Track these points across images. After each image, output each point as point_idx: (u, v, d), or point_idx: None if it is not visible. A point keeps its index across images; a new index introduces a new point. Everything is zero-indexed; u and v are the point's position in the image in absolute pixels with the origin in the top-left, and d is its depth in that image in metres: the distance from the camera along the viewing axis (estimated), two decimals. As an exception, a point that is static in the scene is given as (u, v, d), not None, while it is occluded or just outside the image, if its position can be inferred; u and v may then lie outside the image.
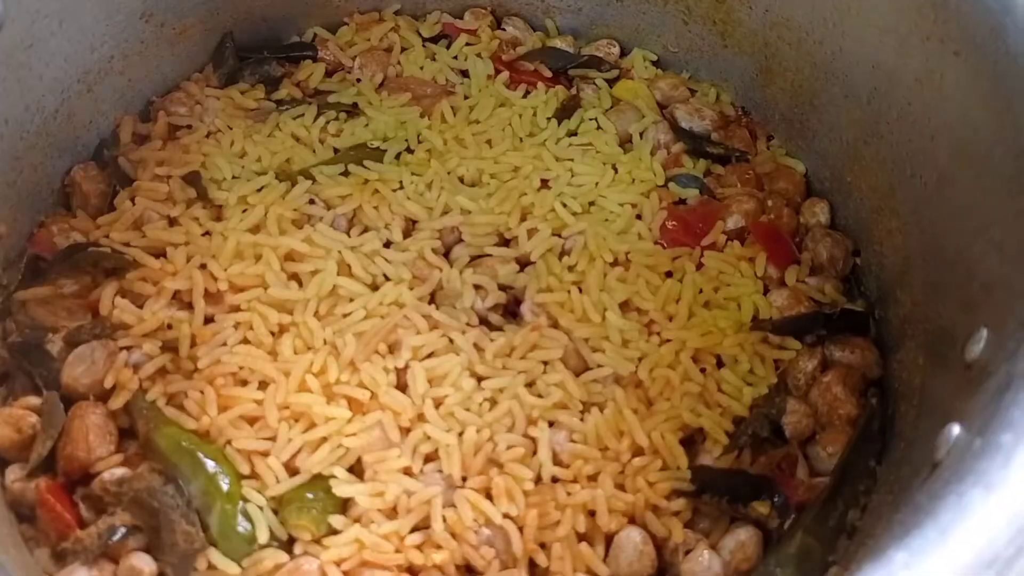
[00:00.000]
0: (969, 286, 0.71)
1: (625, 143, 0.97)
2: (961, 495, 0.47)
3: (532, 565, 0.73)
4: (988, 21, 0.69)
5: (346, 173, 0.90)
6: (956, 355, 0.67)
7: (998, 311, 0.63)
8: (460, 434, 0.76)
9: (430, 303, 0.83)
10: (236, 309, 0.82)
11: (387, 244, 0.86)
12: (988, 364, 0.61)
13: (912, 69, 0.79)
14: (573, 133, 0.97)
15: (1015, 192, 0.65)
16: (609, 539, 0.74)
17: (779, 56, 0.95)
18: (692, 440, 0.79)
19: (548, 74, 1.02)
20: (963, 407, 0.61)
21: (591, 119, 0.98)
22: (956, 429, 0.59)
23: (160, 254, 0.84)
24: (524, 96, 0.99)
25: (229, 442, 0.75)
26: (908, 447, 0.72)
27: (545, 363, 0.80)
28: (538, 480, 0.75)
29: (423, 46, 1.03)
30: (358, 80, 1.00)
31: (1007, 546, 0.44)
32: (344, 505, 0.74)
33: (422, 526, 0.73)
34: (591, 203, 0.91)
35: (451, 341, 0.81)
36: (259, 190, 0.88)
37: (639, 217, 0.90)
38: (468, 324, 0.82)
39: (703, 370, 0.82)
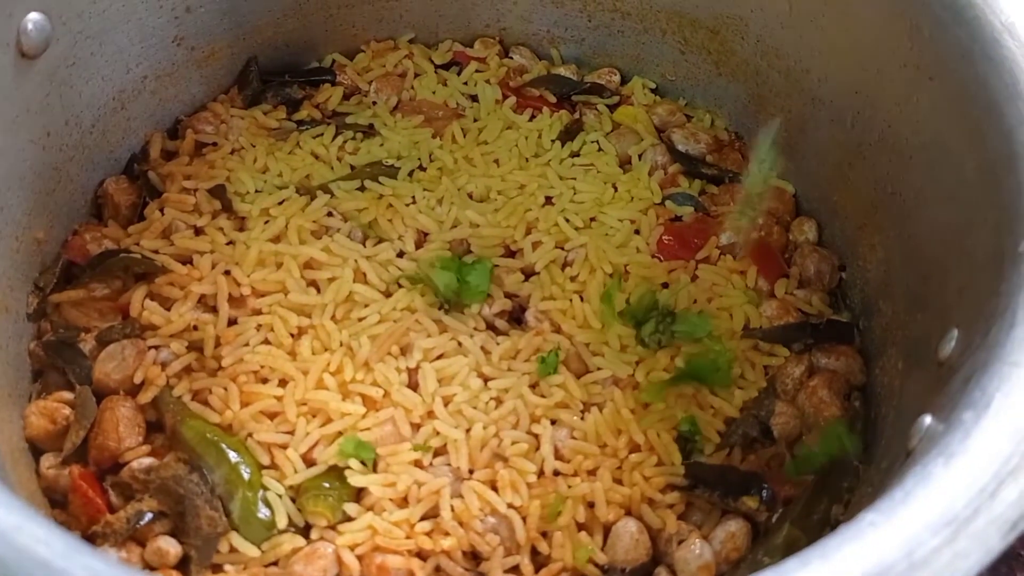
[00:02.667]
0: (944, 293, 0.76)
1: (624, 164, 1.02)
2: (925, 465, 0.52)
3: (534, 552, 0.77)
4: (958, 48, 0.75)
5: (362, 188, 0.95)
6: (931, 356, 0.72)
7: (968, 312, 0.68)
8: (467, 430, 0.80)
9: (440, 309, 0.88)
10: (258, 312, 0.86)
11: (400, 254, 0.91)
12: (957, 360, 0.66)
13: (891, 94, 0.84)
14: (576, 154, 1.02)
15: (983, 204, 0.71)
16: (607, 529, 0.78)
17: (769, 84, 1.00)
18: (686, 438, 0.83)
19: (553, 100, 1.07)
20: (934, 400, 0.66)
21: (593, 141, 1.03)
22: (928, 419, 0.64)
23: (187, 261, 0.89)
24: (530, 120, 1.05)
25: (250, 435, 0.80)
26: (887, 443, 0.77)
27: (548, 365, 0.85)
28: (541, 473, 0.79)
29: (435, 72, 1.08)
30: (374, 103, 1.05)
31: (964, 508, 0.49)
32: (358, 494, 0.78)
33: (431, 515, 0.77)
34: (592, 219, 0.96)
35: (460, 344, 0.85)
36: (280, 203, 0.93)
37: (637, 232, 0.95)
38: (476, 328, 0.87)
39: (697, 374, 0.86)
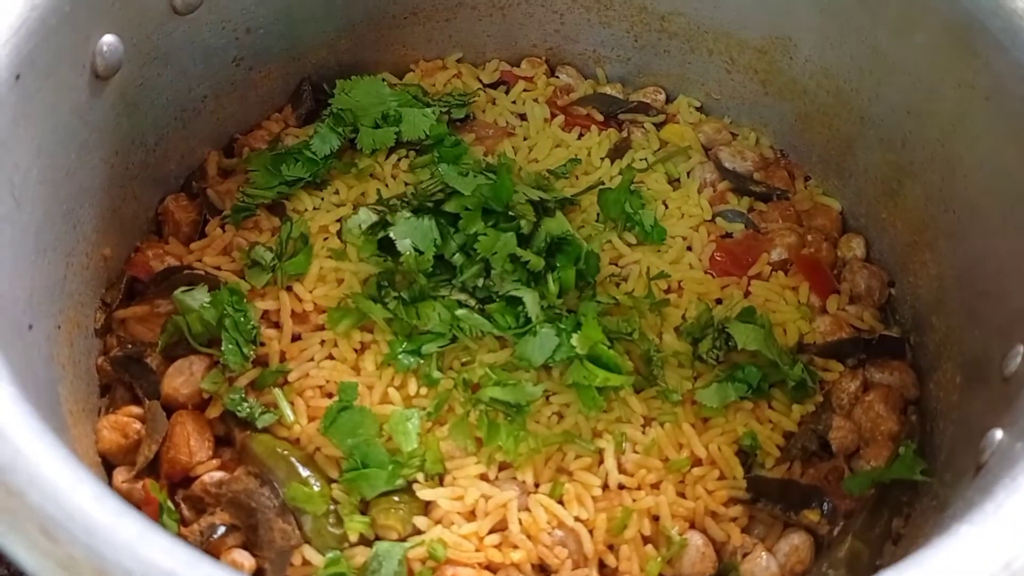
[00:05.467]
0: (1003, 310, 0.77)
1: (673, 181, 1.04)
2: (1013, 478, 0.53)
3: (601, 565, 0.78)
4: (1017, 70, 0.76)
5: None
6: (994, 372, 0.73)
7: (1033, 329, 0.70)
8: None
9: (501, 324, 0.89)
10: (321, 328, 0.87)
11: (456, 268, 0.92)
12: (1025, 375, 0.68)
13: (945, 113, 0.85)
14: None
15: (1045, 223, 0.72)
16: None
17: (817, 103, 1.01)
18: (746, 452, 0.84)
19: (600, 118, 1.09)
20: (1003, 415, 0.67)
21: (642, 159, 1.05)
22: (999, 434, 0.65)
23: (249, 277, 0.90)
24: (578, 138, 1.06)
25: (318, 449, 0.81)
26: (949, 457, 0.78)
27: (608, 381, 0.86)
28: (605, 487, 0.81)
29: (483, 91, 1.10)
30: (426, 123, 1.07)
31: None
32: (426, 507, 0.79)
33: (499, 528, 0.78)
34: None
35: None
36: (338, 220, 0.95)
37: (690, 249, 0.97)
38: (536, 344, 0.88)
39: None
